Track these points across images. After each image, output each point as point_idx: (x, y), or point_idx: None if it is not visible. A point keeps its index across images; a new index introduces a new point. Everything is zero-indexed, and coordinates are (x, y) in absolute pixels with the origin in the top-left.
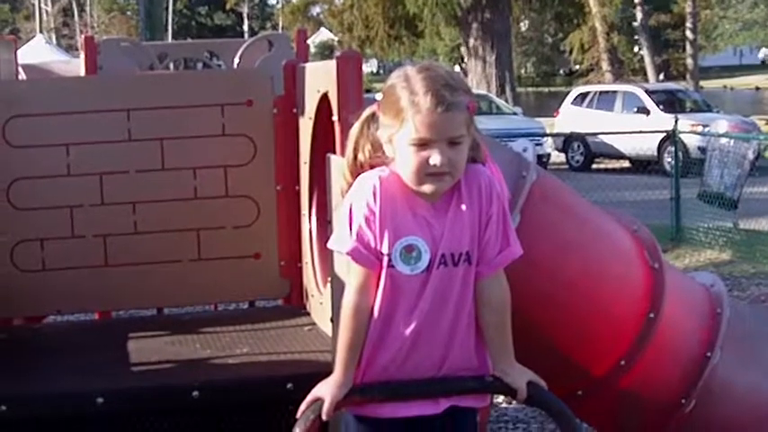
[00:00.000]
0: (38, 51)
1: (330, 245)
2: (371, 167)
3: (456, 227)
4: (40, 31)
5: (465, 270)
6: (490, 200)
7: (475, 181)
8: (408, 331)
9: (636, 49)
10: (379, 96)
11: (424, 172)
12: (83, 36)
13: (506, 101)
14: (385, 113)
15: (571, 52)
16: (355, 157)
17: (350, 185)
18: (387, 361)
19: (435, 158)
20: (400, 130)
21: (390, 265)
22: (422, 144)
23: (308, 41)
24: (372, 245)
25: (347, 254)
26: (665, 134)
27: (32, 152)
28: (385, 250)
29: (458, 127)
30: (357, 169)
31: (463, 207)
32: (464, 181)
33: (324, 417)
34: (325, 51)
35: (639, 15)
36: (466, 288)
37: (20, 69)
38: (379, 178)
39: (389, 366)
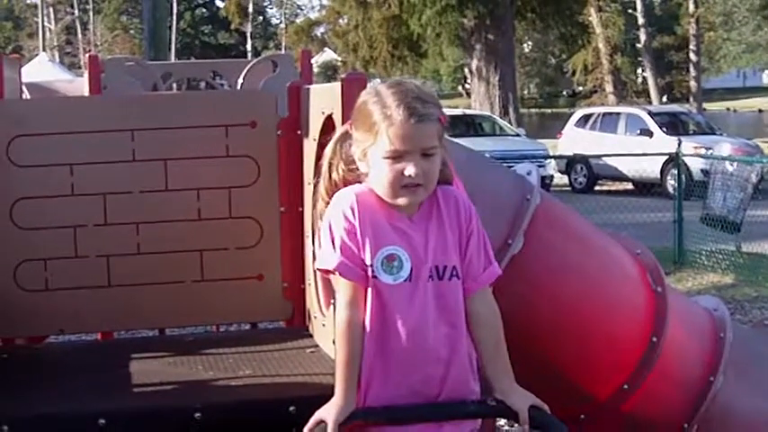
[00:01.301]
0: (41, 69)
1: (316, 265)
2: (345, 185)
3: (439, 241)
4: (44, 49)
5: (455, 285)
6: (469, 217)
7: (451, 199)
8: (402, 345)
9: (639, 70)
10: None
11: (399, 184)
12: (87, 55)
13: (509, 122)
14: (358, 129)
15: (574, 73)
16: (330, 176)
17: (327, 204)
18: (385, 378)
19: (410, 170)
20: (374, 144)
21: (374, 276)
22: (396, 156)
23: (312, 61)
24: (357, 256)
25: (334, 270)
26: (668, 156)
27: (36, 172)
28: (368, 261)
29: (430, 138)
30: (332, 188)
31: (445, 223)
32: (441, 198)
33: None
34: (329, 71)
35: (643, 37)
36: (458, 304)
37: (23, 88)
38: (356, 194)
39: (389, 384)
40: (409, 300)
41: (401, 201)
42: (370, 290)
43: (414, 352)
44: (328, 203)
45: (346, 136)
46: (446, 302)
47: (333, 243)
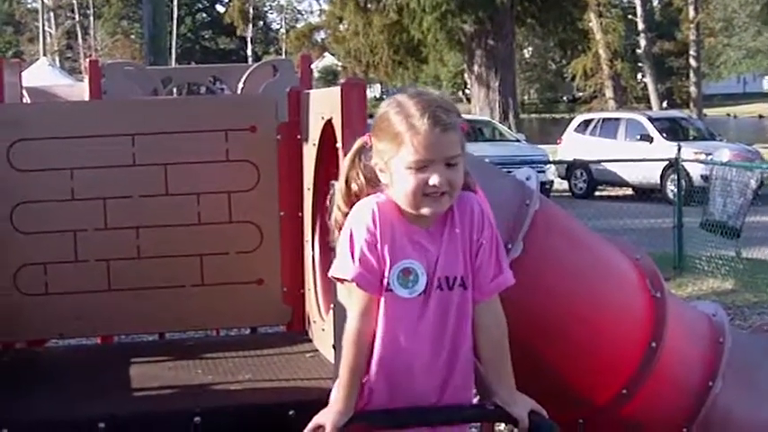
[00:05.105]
0: (41, 74)
1: (332, 273)
2: (366, 196)
3: (450, 251)
4: (44, 54)
5: (460, 295)
6: (482, 226)
7: (468, 207)
8: (409, 354)
9: (639, 76)
10: None
11: (423, 192)
12: (87, 60)
13: (509, 127)
14: (380, 139)
15: (574, 79)
16: (348, 186)
17: (344, 215)
18: (388, 386)
19: (434, 179)
20: (398, 154)
21: (388, 289)
22: (421, 166)
23: (312, 66)
24: (375, 268)
25: (351, 280)
26: (668, 162)
27: (37, 176)
28: (385, 273)
29: (454, 147)
30: (351, 199)
31: (456, 231)
32: (456, 207)
33: None
34: (329, 76)
35: (643, 43)
36: (462, 314)
37: (24, 93)
38: (377, 204)
39: (391, 391)
40: (420, 312)
41: (425, 210)
42: (382, 302)
43: (419, 362)
44: (346, 214)
45: (364, 147)
46: (450, 312)
47: (352, 253)
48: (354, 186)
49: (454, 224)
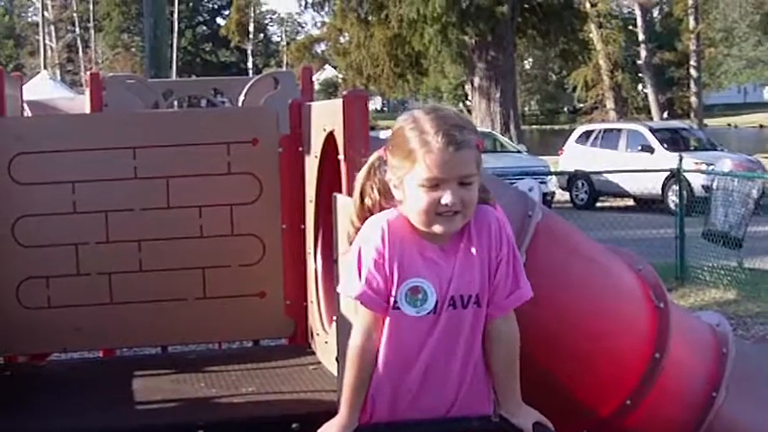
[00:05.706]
0: (42, 87)
1: (339, 290)
2: (380, 211)
3: (465, 269)
4: (45, 67)
5: (474, 313)
6: (500, 242)
7: (485, 223)
8: (417, 372)
9: (640, 87)
10: (383, 134)
11: (435, 211)
12: (88, 73)
13: (511, 139)
14: (394, 155)
15: (575, 90)
16: (362, 201)
17: (357, 230)
18: (394, 402)
19: (447, 198)
20: (411, 172)
21: (396, 307)
22: (433, 185)
23: (313, 78)
24: (381, 288)
25: (356, 298)
26: (669, 172)
27: (38, 189)
28: (392, 292)
29: (468, 166)
30: (365, 214)
31: (473, 250)
32: (473, 223)
33: None
34: (330, 88)
35: (643, 53)
36: (474, 332)
37: (25, 106)
38: (387, 221)
39: (397, 407)
40: (429, 330)
41: (436, 228)
42: (389, 319)
43: (427, 378)
44: (358, 229)
45: (380, 161)
46: (462, 331)
47: (359, 271)
48: (368, 201)
49: (471, 241)
